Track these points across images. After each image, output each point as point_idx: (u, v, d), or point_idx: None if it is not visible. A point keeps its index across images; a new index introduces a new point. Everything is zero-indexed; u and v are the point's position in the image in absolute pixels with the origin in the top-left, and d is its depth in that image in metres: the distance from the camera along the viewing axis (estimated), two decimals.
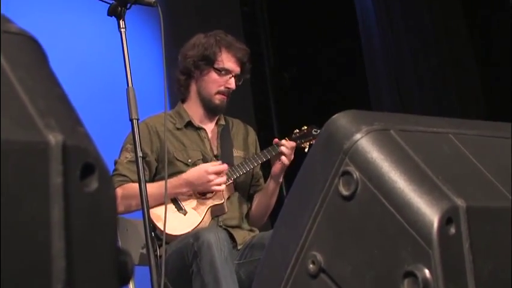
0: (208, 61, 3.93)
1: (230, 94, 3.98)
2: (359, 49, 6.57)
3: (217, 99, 3.94)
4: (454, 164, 1.42)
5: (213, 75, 3.94)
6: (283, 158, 3.81)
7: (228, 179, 3.78)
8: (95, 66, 5.49)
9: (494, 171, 1.41)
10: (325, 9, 7.00)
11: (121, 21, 3.17)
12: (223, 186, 3.73)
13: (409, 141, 1.38)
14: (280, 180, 3.91)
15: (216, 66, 3.93)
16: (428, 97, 6.08)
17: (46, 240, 0.95)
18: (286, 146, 3.82)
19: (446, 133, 1.48)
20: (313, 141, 3.95)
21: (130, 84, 3.10)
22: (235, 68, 3.98)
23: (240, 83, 4.03)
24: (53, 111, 1.00)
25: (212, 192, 3.74)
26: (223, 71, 3.94)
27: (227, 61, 3.96)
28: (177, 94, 4.03)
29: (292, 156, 3.85)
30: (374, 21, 6.36)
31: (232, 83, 3.95)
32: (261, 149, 4.03)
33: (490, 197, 1.37)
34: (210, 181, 3.67)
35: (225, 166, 3.75)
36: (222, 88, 3.94)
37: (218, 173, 3.70)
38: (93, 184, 1.00)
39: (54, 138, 0.96)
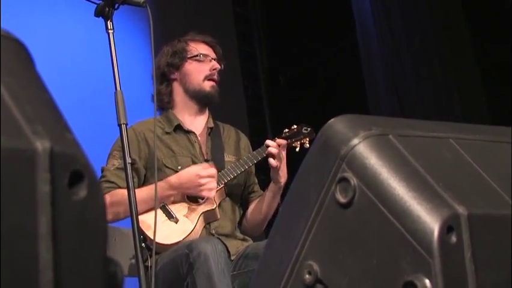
0: (181, 57, 3.94)
1: (218, 79, 3.95)
2: (357, 51, 6.55)
3: (208, 86, 3.91)
4: (455, 170, 1.39)
5: (193, 64, 3.93)
6: (271, 159, 3.74)
7: (218, 184, 3.72)
8: (82, 70, 5.46)
9: (496, 178, 1.39)
10: (321, 9, 6.99)
11: (108, 22, 3.14)
12: (213, 193, 3.67)
13: (408, 147, 1.35)
14: (281, 183, 3.81)
15: (189, 55, 3.93)
16: (428, 100, 6.07)
17: (33, 251, 0.93)
18: (273, 145, 3.75)
19: (447, 138, 1.45)
20: (304, 140, 3.92)
21: (118, 88, 3.06)
22: (209, 51, 3.99)
23: (222, 68, 4.00)
24: (40, 117, 0.98)
25: (202, 197, 3.68)
26: (200, 56, 3.93)
27: (198, 47, 3.98)
28: (162, 105, 3.97)
29: (284, 155, 3.78)
30: (371, 23, 6.35)
31: (215, 64, 3.94)
32: None
33: (492, 204, 1.34)
34: (201, 185, 3.61)
35: (214, 170, 3.70)
36: (208, 72, 3.92)
37: (210, 177, 3.65)
38: (82, 192, 0.98)
39: (41, 145, 0.94)
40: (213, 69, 3.92)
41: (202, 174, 3.63)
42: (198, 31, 4.07)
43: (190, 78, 3.91)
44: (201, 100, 3.93)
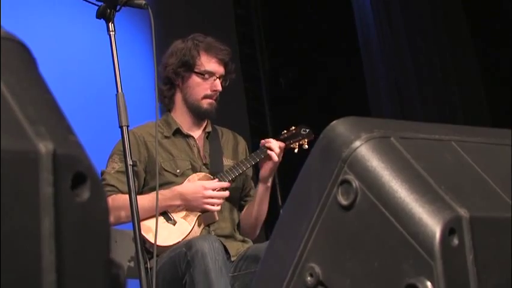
0: (188, 67, 3.88)
1: (218, 97, 3.94)
2: (357, 52, 6.55)
3: (205, 103, 3.88)
4: (457, 173, 1.39)
5: (196, 79, 3.87)
6: (272, 157, 3.75)
7: None
8: (84, 71, 5.46)
9: (498, 180, 1.38)
10: (321, 10, 6.98)
11: (110, 24, 3.12)
12: (218, 207, 3.67)
13: (410, 149, 1.35)
14: (269, 184, 3.83)
15: (196, 70, 3.88)
16: (429, 101, 6.07)
17: (36, 252, 0.93)
18: (274, 145, 3.76)
19: (449, 140, 1.45)
20: (303, 141, 3.92)
21: (119, 90, 3.05)
22: (217, 69, 3.91)
23: (227, 84, 3.98)
24: (43, 118, 0.97)
25: (205, 210, 3.67)
26: (206, 74, 3.88)
27: (208, 64, 3.90)
28: (162, 105, 3.97)
29: (281, 157, 3.80)
30: (372, 23, 6.35)
31: (217, 85, 3.89)
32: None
33: (494, 207, 1.34)
34: (205, 197, 3.61)
35: (223, 184, 3.70)
36: (209, 92, 3.88)
37: (214, 189, 3.65)
38: (85, 194, 0.98)
39: (44, 147, 0.93)
40: (214, 90, 3.89)
41: (207, 186, 3.63)
42: (216, 39, 3.99)
43: (190, 92, 3.89)
44: (198, 114, 3.92)
